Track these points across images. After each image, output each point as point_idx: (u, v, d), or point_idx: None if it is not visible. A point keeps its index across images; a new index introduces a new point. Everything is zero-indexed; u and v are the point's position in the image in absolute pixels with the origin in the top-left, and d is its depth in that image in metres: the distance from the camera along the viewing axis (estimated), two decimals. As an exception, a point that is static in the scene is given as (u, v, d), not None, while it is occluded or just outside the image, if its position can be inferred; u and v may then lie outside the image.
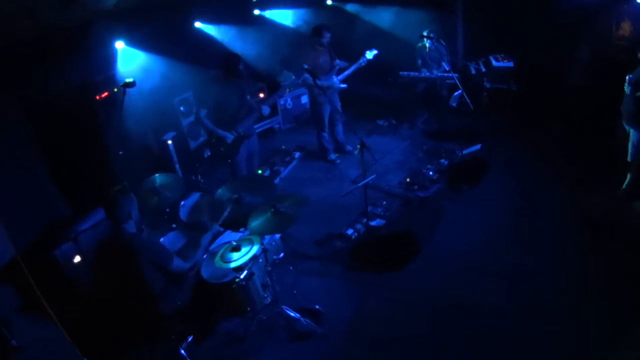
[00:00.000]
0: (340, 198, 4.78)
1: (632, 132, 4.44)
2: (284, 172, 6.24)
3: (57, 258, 3.74)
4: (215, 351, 3.49)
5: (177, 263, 3.07)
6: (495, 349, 3.25)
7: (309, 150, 6.68)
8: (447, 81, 6.34)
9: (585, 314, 3.40)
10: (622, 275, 3.69)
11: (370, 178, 4.29)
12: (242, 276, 3.36)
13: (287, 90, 7.18)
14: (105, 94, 4.98)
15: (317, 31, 5.66)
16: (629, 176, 4.66)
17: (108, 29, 4.61)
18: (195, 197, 4.55)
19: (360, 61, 5.74)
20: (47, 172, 4.27)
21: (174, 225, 4.26)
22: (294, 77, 5.38)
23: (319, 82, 4.96)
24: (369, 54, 5.74)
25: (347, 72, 5.82)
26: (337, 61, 5.85)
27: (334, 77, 5.79)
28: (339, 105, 6.07)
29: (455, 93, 5.62)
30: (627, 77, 4.36)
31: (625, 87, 4.40)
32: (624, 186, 4.70)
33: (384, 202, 5.12)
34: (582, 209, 4.62)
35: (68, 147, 4.33)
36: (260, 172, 5.75)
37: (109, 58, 4.90)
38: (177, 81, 5.75)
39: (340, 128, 6.36)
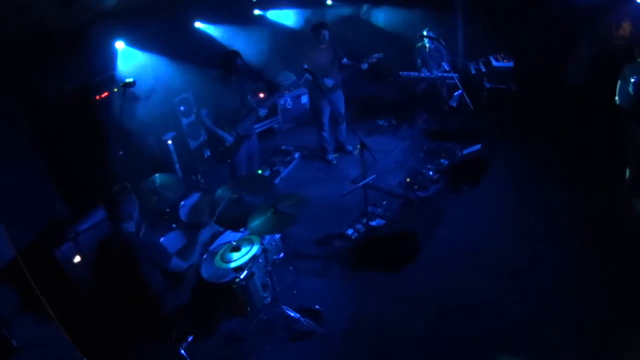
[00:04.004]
0: (340, 198, 4.78)
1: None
2: (284, 172, 6.24)
3: (57, 258, 3.74)
4: (215, 351, 3.49)
5: (175, 262, 3.06)
6: (495, 348, 3.25)
7: (309, 150, 6.68)
8: (447, 81, 6.34)
9: (586, 314, 3.40)
10: (623, 274, 3.69)
11: (370, 178, 4.28)
12: (242, 276, 3.36)
13: (287, 91, 7.18)
14: (105, 94, 4.97)
15: (314, 29, 5.68)
16: (628, 172, 4.66)
17: (108, 29, 4.62)
18: (195, 197, 4.55)
19: (362, 65, 5.65)
20: (47, 172, 4.28)
21: (174, 225, 4.26)
22: (294, 77, 5.39)
23: (318, 81, 4.95)
24: (372, 58, 5.63)
25: (347, 72, 5.81)
26: (345, 60, 5.83)
27: (328, 76, 5.72)
28: (342, 106, 6.07)
29: (455, 93, 5.62)
30: (631, 80, 4.34)
31: (629, 89, 4.39)
32: (625, 183, 4.70)
33: (384, 202, 5.12)
34: (582, 209, 4.62)
35: (68, 147, 4.33)
36: (260, 172, 5.75)
37: (109, 58, 4.90)
38: (177, 81, 5.75)
39: (343, 127, 6.35)
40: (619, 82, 4.55)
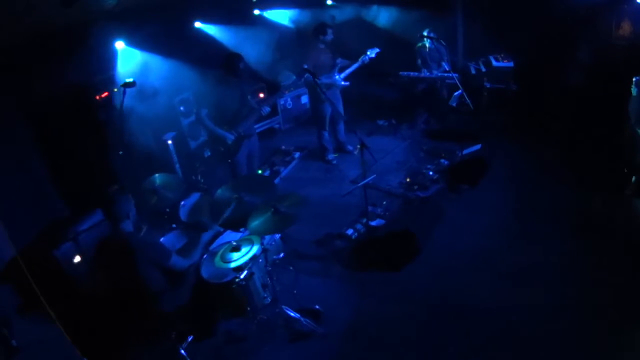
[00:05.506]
0: (340, 198, 4.78)
1: None
2: (284, 172, 6.24)
3: (57, 258, 3.74)
4: (215, 351, 3.49)
5: (176, 260, 3.07)
6: (495, 348, 3.25)
7: (309, 150, 6.68)
8: (447, 81, 6.33)
9: (586, 315, 3.40)
10: (623, 275, 3.69)
11: (370, 178, 4.28)
12: (242, 276, 3.36)
13: (287, 91, 7.18)
14: (105, 94, 4.98)
15: (320, 29, 5.69)
16: (634, 178, 4.64)
17: (108, 29, 4.62)
18: (195, 197, 4.55)
19: (363, 59, 5.75)
20: (47, 172, 4.28)
21: (174, 225, 4.26)
22: (294, 77, 5.41)
23: (320, 81, 4.96)
24: (371, 52, 5.77)
25: (349, 70, 5.82)
26: (339, 60, 5.86)
27: (336, 75, 5.79)
28: (341, 105, 6.08)
29: (455, 93, 5.61)
30: (634, 79, 4.34)
31: (632, 89, 4.38)
32: (630, 187, 4.68)
33: (384, 202, 5.12)
34: (582, 209, 4.62)
35: (68, 147, 4.33)
36: (260, 172, 5.75)
37: (109, 58, 4.90)
38: (177, 81, 5.75)
39: (341, 127, 6.37)
40: None
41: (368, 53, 5.76)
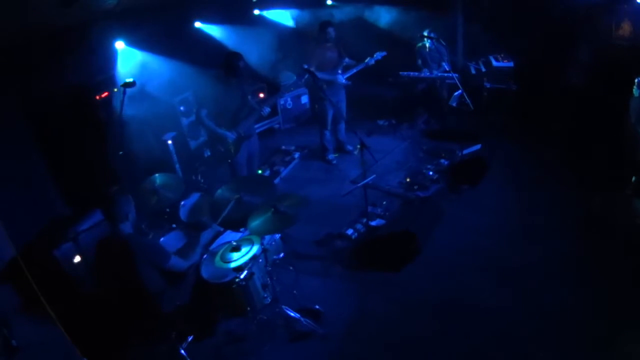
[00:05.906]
0: (340, 198, 4.78)
1: None
2: (284, 172, 6.24)
3: (57, 258, 3.74)
4: (215, 351, 3.49)
5: (174, 262, 3.07)
6: (495, 348, 3.25)
7: (309, 150, 6.68)
8: (447, 81, 6.34)
9: (586, 314, 3.40)
10: (623, 275, 3.69)
11: (370, 178, 4.29)
12: (242, 276, 3.37)
13: (287, 91, 7.18)
14: (105, 94, 4.98)
15: (321, 27, 5.73)
16: (634, 178, 4.63)
17: (108, 29, 4.62)
18: (195, 197, 4.55)
19: (367, 61, 5.78)
20: (47, 172, 4.27)
21: (174, 225, 4.26)
22: (295, 77, 5.43)
23: (320, 76, 4.97)
24: (378, 55, 5.80)
25: (352, 70, 5.85)
26: (347, 59, 5.88)
27: (339, 73, 5.80)
28: (344, 104, 6.08)
29: (455, 93, 5.61)
30: (636, 80, 4.34)
31: (634, 90, 4.38)
32: (630, 187, 4.67)
33: (384, 202, 5.12)
34: (582, 209, 4.62)
35: (68, 147, 4.33)
36: (260, 172, 5.75)
37: (109, 58, 4.90)
38: (177, 81, 5.75)
39: (342, 127, 6.38)
40: None
41: (375, 55, 5.79)
